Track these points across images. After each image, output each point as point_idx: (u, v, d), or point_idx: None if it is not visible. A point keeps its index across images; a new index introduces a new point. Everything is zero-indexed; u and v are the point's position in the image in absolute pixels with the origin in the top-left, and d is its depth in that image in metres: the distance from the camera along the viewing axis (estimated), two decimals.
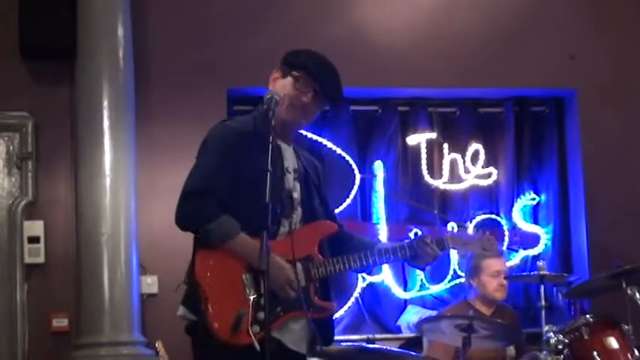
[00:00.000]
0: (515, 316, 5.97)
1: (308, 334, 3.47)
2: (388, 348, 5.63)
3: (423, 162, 6.79)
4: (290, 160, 3.54)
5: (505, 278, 5.95)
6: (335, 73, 3.57)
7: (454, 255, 6.64)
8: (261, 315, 3.29)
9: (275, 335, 3.33)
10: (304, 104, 3.50)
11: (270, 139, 3.20)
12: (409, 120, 6.89)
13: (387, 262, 3.67)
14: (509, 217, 6.86)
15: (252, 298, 3.32)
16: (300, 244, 3.40)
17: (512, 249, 6.78)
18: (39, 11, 6.08)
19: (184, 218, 3.43)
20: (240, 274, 3.36)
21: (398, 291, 6.61)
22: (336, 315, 6.44)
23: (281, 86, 3.51)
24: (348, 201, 6.59)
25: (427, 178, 6.80)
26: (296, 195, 3.50)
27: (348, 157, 6.61)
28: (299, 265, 3.39)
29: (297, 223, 3.49)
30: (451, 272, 6.64)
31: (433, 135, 6.84)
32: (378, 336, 6.20)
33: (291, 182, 3.51)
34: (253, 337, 3.26)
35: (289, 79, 3.51)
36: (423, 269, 4.01)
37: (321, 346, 3.50)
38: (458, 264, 6.56)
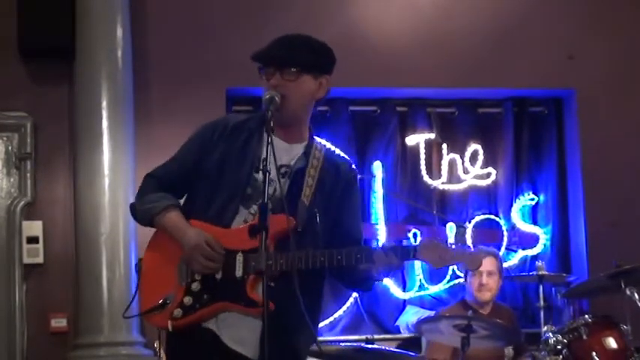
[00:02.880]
0: (513, 316, 5.98)
1: (261, 338, 3.13)
2: (387, 348, 5.64)
3: (422, 162, 6.79)
4: (279, 156, 3.27)
5: (507, 278, 5.97)
6: (276, 39, 3.39)
7: None
8: (188, 300, 3.25)
9: (210, 327, 3.24)
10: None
11: (269, 140, 3.16)
12: (408, 120, 6.90)
13: (340, 266, 3.22)
14: (508, 218, 6.86)
15: (183, 284, 3.27)
16: (251, 236, 3.20)
17: (511, 249, 6.79)
18: (38, 12, 6.07)
19: None
20: (178, 258, 3.31)
21: (397, 291, 6.61)
22: (335, 315, 6.46)
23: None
24: None
25: (426, 178, 6.80)
26: (270, 190, 3.21)
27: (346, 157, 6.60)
28: (240, 256, 3.21)
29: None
30: (450, 272, 6.64)
31: (432, 135, 6.84)
32: (376, 336, 6.18)
33: (272, 169, 3.22)
34: (170, 321, 3.24)
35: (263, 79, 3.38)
36: (379, 279, 3.43)
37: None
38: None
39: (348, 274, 3.36)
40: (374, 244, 3.25)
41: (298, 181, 3.35)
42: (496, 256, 5.92)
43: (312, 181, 3.36)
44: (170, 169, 3.47)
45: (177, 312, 3.26)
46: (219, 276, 3.25)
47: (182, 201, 3.46)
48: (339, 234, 3.38)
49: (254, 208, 3.28)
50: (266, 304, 3.00)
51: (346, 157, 3.63)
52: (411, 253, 3.20)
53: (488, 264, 5.80)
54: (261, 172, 3.21)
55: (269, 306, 3.01)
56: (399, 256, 3.19)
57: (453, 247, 3.21)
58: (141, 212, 3.42)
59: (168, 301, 3.26)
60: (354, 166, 3.57)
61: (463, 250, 3.20)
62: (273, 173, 3.21)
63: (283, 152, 3.34)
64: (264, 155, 3.20)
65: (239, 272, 3.21)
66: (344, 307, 6.47)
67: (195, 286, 3.27)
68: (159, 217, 3.35)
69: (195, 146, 3.44)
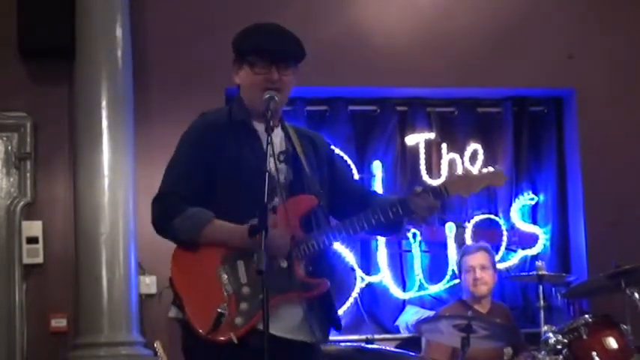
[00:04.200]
0: (511, 316, 6.00)
1: (308, 320, 3.31)
2: (387, 348, 5.65)
3: (422, 162, 6.78)
4: (275, 143, 3.35)
5: (507, 278, 5.97)
6: (269, 32, 3.43)
7: (452, 255, 6.63)
8: (244, 305, 3.23)
9: (260, 328, 3.19)
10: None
11: (269, 140, 3.18)
12: (408, 120, 6.90)
13: (379, 225, 3.34)
14: (507, 217, 6.85)
15: (231, 291, 3.25)
16: (279, 225, 3.24)
17: (510, 249, 6.79)
18: (37, 12, 6.08)
19: (154, 223, 3.42)
20: (215, 269, 3.28)
21: (396, 291, 6.61)
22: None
23: (244, 77, 3.41)
24: None
25: (426, 177, 6.79)
26: (281, 178, 3.33)
27: (346, 157, 6.61)
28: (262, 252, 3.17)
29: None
30: (449, 272, 6.64)
31: (432, 135, 6.84)
32: (376, 336, 6.19)
33: (273, 166, 3.30)
34: (232, 331, 3.19)
35: (247, 68, 3.39)
36: (420, 226, 3.58)
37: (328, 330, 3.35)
38: (456, 264, 6.57)
39: (382, 226, 3.40)
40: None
41: (297, 162, 3.39)
42: (488, 250, 5.95)
43: (304, 156, 3.43)
44: (183, 181, 3.40)
45: (239, 320, 3.22)
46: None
47: None
48: (347, 197, 3.48)
49: (276, 200, 3.31)
50: (266, 304, 3.02)
51: (312, 131, 3.75)
52: (443, 192, 3.33)
53: (480, 258, 5.84)
54: (270, 169, 3.24)
55: (268, 305, 3.03)
56: (435, 197, 3.32)
57: (473, 172, 3.37)
58: (187, 227, 3.32)
59: (223, 313, 3.22)
60: (321, 134, 3.72)
61: (484, 172, 3.38)
62: (272, 164, 3.26)
63: (277, 139, 3.42)
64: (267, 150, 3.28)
65: (283, 263, 3.24)
66: (344, 307, 6.47)
67: (245, 290, 3.26)
68: (208, 227, 3.29)
69: (202, 151, 3.40)
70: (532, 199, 6.91)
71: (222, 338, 3.22)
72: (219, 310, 3.22)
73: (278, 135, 3.46)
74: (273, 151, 3.18)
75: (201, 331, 3.23)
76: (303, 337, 3.31)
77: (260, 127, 3.37)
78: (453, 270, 6.61)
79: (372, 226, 3.33)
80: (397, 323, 6.56)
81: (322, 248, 3.31)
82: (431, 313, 6.22)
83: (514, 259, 6.79)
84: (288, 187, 3.36)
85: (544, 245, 6.85)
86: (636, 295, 5.17)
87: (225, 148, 3.37)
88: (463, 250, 6.09)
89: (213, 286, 3.27)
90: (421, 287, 6.65)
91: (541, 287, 5.51)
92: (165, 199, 3.40)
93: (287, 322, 3.25)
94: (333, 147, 3.67)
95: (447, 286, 6.66)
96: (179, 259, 3.37)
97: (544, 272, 5.55)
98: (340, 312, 6.38)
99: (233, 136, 3.40)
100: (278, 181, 3.26)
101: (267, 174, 3.14)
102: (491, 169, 3.40)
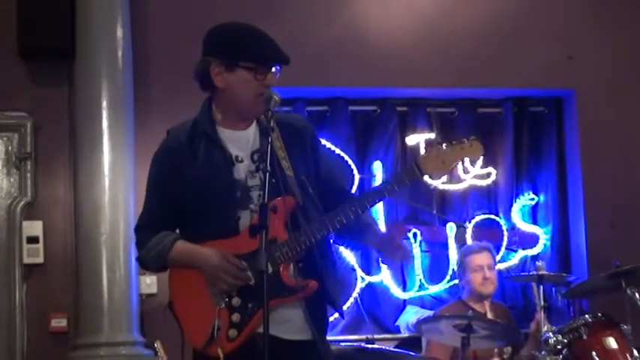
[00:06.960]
0: (510, 315, 6.01)
1: (308, 318, 3.34)
2: (387, 348, 5.65)
3: None
4: (246, 145, 3.40)
5: (507, 278, 5.97)
6: (264, 38, 3.46)
7: (453, 255, 6.63)
8: (236, 317, 3.28)
9: (261, 331, 3.22)
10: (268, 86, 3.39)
11: (269, 140, 3.20)
12: (408, 120, 6.89)
13: (361, 216, 3.40)
14: (508, 218, 6.86)
15: (223, 305, 3.29)
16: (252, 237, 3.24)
17: (511, 249, 6.79)
18: (37, 12, 6.07)
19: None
20: (205, 284, 3.33)
21: (397, 291, 6.61)
22: (335, 315, 6.44)
23: (238, 81, 3.38)
24: None
25: (426, 177, 6.78)
26: (253, 182, 3.34)
27: (346, 157, 6.61)
28: (263, 254, 3.20)
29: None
30: (450, 272, 6.64)
31: (432, 135, 6.84)
32: (377, 336, 6.20)
33: (244, 170, 3.37)
34: (228, 344, 3.24)
35: (245, 73, 3.38)
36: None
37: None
38: (457, 264, 6.57)
39: (359, 231, 3.46)
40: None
41: (273, 159, 3.32)
42: (491, 250, 5.99)
43: (283, 152, 3.41)
44: (152, 211, 3.50)
45: (232, 332, 3.27)
46: (252, 282, 3.28)
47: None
48: (325, 188, 3.46)
49: (252, 206, 3.33)
50: (266, 301, 3.04)
51: (295, 114, 3.74)
52: (416, 171, 3.36)
53: (486, 258, 5.87)
54: (242, 167, 3.33)
55: (268, 303, 3.06)
56: (409, 179, 3.35)
57: (446, 145, 3.40)
58: (151, 259, 3.43)
59: (219, 328, 3.26)
60: (305, 120, 3.67)
61: (459, 145, 3.39)
62: (242, 168, 3.33)
63: (251, 139, 3.41)
64: (230, 151, 3.35)
65: (268, 268, 3.21)
66: (344, 307, 6.47)
67: (235, 301, 3.30)
68: (170, 255, 3.37)
69: (164, 176, 3.48)
70: (532, 199, 6.92)
71: (212, 353, 3.26)
72: (212, 325, 3.26)
73: (251, 132, 3.44)
74: (270, 151, 3.19)
75: (196, 344, 3.30)
76: (306, 336, 3.34)
77: (228, 134, 3.40)
78: (453, 270, 6.61)
79: (343, 225, 3.32)
80: (397, 323, 6.56)
81: (308, 247, 3.29)
82: (431, 313, 6.22)
83: (514, 259, 6.80)
84: (270, 187, 3.29)
85: (544, 245, 6.85)
86: (636, 295, 5.17)
87: (183, 170, 3.40)
88: (466, 249, 6.08)
89: (206, 302, 3.31)
90: (421, 287, 6.64)
91: (541, 287, 5.52)
92: (136, 234, 3.54)
93: (291, 324, 3.29)
94: (316, 135, 3.58)
95: (448, 286, 6.66)
96: (174, 279, 3.44)
97: (544, 272, 5.55)
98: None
99: (196, 148, 3.42)
100: (246, 187, 3.31)
101: (267, 174, 3.15)
102: (465, 140, 3.39)
